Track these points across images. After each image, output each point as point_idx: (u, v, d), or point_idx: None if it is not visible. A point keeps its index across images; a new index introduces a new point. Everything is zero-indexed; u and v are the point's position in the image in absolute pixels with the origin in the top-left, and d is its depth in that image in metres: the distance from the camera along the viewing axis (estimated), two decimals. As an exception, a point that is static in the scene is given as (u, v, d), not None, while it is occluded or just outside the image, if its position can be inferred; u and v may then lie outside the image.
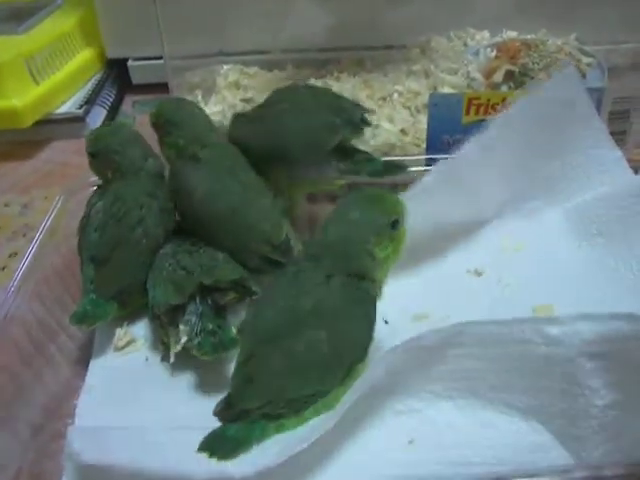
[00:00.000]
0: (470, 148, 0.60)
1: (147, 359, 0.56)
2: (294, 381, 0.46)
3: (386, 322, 0.57)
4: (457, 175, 0.60)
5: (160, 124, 0.63)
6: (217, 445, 0.44)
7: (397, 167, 0.61)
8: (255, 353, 0.47)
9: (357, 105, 0.64)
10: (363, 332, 0.49)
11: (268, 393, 0.46)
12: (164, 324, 0.54)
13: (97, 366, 0.56)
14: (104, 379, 0.54)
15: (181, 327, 0.52)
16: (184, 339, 0.51)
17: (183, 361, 0.53)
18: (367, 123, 0.62)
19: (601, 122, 0.64)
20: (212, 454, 0.43)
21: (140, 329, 0.59)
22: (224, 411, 0.46)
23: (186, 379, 0.54)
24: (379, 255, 0.49)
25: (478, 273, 0.61)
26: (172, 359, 0.53)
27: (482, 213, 0.63)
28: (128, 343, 0.57)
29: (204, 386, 0.53)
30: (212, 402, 0.50)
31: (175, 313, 0.53)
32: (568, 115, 0.63)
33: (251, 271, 0.57)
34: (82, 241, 0.60)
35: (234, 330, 0.53)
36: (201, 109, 0.65)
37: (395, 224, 0.49)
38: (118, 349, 0.57)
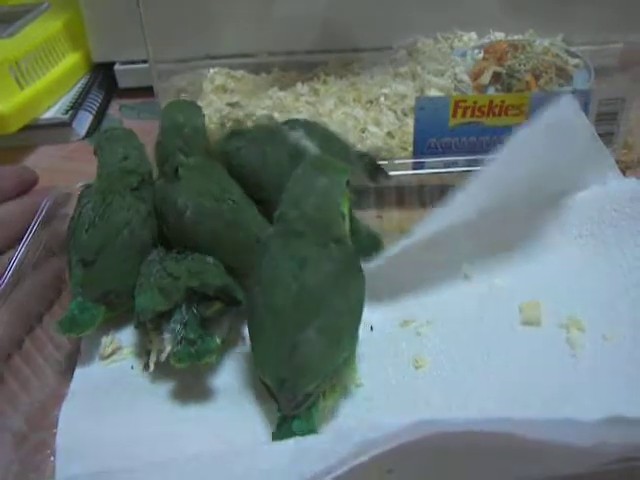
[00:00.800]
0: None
1: (132, 367, 0.56)
2: (334, 353, 0.49)
3: (371, 328, 0.57)
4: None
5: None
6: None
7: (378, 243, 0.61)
8: (297, 341, 0.48)
9: (365, 155, 0.65)
10: (363, 289, 0.52)
11: (322, 371, 0.48)
12: (149, 331, 0.54)
13: (82, 375, 0.55)
14: (88, 388, 0.54)
15: (166, 335, 0.52)
16: (168, 348, 0.51)
17: (168, 369, 0.52)
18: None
19: (589, 122, 0.64)
20: None
21: (127, 337, 0.58)
22: (290, 404, 0.47)
23: (171, 387, 0.53)
24: (345, 214, 0.53)
25: (467, 276, 0.61)
26: (152, 368, 0.53)
27: (473, 215, 0.62)
28: (114, 351, 0.57)
29: (188, 395, 0.53)
30: (197, 410, 0.50)
31: (160, 320, 0.53)
32: (559, 119, 0.63)
33: (242, 277, 0.57)
34: (71, 242, 0.59)
35: (217, 340, 0.52)
36: (199, 111, 0.64)
37: (348, 181, 0.53)
38: (104, 357, 0.56)
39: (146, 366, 0.54)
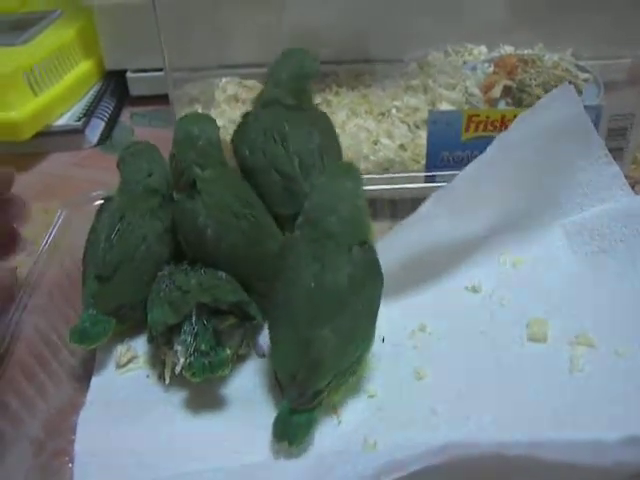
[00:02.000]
0: (469, 169, 0.61)
1: (148, 376, 0.56)
2: (348, 352, 0.51)
3: (383, 340, 0.58)
4: (456, 199, 0.61)
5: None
6: (291, 432, 0.49)
7: None
8: (312, 338, 0.50)
9: None
10: (380, 292, 0.54)
11: (334, 369, 0.50)
12: (160, 345, 0.55)
13: (98, 384, 0.56)
14: (105, 397, 0.54)
15: (178, 348, 0.52)
16: (182, 360, 0.51)
17: (183, 378, 0.53)
18: None
19: (599, 138, 0.65)
20: (290, 442, 0.48)
21: (142, 345, 0.59)
22: (300, 399, 0.49)
23: (186, 396, 0.54)
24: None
25: (475, 290, 0.62)
26: (167, 380, 0.54)
27: (481, 231, 0.63)
28: (130, 360, 0.58)
29: (204, 404, 0.53)
30: (212, 420, 0.52)
31: (171, 334, 0.54)
32: (566, 132, 0.63)
33: (260, 294, 0.58)
34: (88, 255, 0.60)
35: (228, 351, 0.53)
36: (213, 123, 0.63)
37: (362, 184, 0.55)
38: (120, 366, 0.57)
39: (161, 376, 0.55)
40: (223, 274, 0.58)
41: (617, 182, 0.65)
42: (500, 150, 0.61)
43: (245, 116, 0.66)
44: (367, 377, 0.55)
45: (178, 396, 0.54)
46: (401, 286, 0.61)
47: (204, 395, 0.54)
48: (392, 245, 0.59)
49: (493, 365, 0.55)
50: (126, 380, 0.56)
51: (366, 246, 0.53)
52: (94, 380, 0.56)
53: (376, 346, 0.56)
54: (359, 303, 0.51)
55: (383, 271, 0.54)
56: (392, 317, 0.59)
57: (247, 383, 0.55)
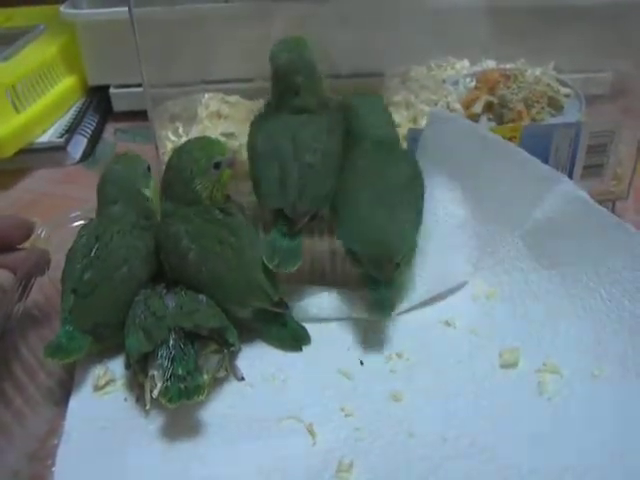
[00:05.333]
0: None
1: (126, 399, 0.56)
2: (415, 232, 0.62)
3: (362, 363, 0.58)
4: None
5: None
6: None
7: (303, 340, 0.61)
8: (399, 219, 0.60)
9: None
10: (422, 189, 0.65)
11: (408, 245, 0.61)
12: (137, 372, 0.55)
13: (76, 409, 0.55)
14: (83, 426, 0.54)
15: (155, 372, 0.52)
16: (159, 384, 0.51)
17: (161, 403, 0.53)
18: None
19: (497, 138, 0.64)
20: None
21: (120, 367, 0.59)
22: (389, 272, 0.59)
23: (164, 423, 0.54)
24: None
25: (449, 324, 0.62)
26: (148, 405, 0.53)
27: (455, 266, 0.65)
28: (107, 383, 0.57)
29: (182, 430, 0.53)
30: (190, 448, 0.51)
31: (146, 362, 0.54)
32: (462, 147, 0.65)
33: (240, 321, 0.59)
34: (66, 271, 0.60)
35: (205, 376, 0.53)
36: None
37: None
38: (98, 389, 0.57)
39: (138, 400, 0.55)
40: (204, 297, 0.58)
41: (543, 172, 0.63)
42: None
43: (268, 105, 0.67)
44: (344, 395, 0.55)
45: (157, 422, 0.54)
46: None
47: (182, 420, 0.54)
48: None
49: (469, 391, 0.55)
50: (104, 404, 0.56)
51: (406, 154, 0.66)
52: (71, 405, 0.56)
53: (354, 367, 0.58)
54: (413, 196, 0.62)
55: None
56: (370, 343, 0.60)
57: (226, 408, 0.55)
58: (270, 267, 0.58)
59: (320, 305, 0.63)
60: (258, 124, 0.65)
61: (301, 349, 0.60)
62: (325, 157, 0.62)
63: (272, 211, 0.62)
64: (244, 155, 0.68)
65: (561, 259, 0.62)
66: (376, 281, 0.59)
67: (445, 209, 0.65)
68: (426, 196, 0.64)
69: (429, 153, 0.66)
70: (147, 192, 0.64)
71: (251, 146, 0.65)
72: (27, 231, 0.61)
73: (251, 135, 0.65)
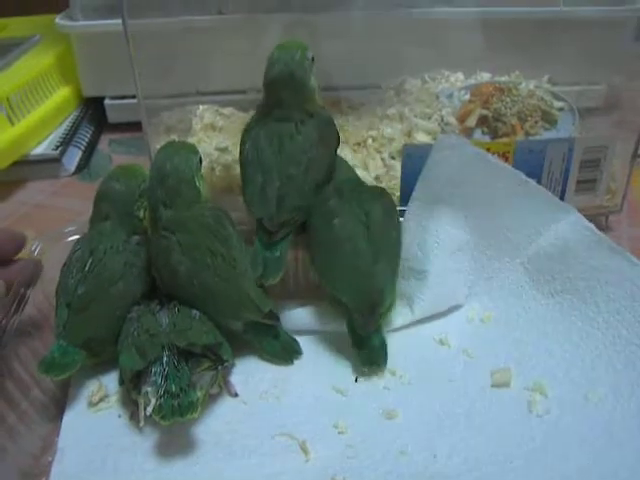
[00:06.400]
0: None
1: (120, 416, 0.56)
2: (394, 280, 0.61)
3: (356, 380, 0.59)
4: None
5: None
6: (374, 356, 0.59)
7: (294, 352, 0.62)
8: (374, 271, 0.59)
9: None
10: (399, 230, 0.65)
11: (390, 295, 0.60)
12: (130, 389, 0.54)
13: (70, 425, 0.55)
14: (77, 444, 0.54)
15: (148, 389, 0.52)
16: (153, 401, 0.51)
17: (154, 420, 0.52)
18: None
19: (509, 167, 0.65)
20: (378, 365, 0.59)
21: (114, 383, 0.58)
22: (371, 321, 0.58)
23: (157, 439, 0.54)
24: None
25: (443, 343, 0.62)
26: (142, 423, 0.53)
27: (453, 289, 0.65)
28: (101, 399, 0.57)
29: (175, 448, 0.53)
30: (183, 466, 0.51)
31: (139, 379, 0.53)
32: (474, 172, 0.65)
33: (233, 334, 0.59)
34: (61, 285, 0.59)
35: (198, 393, 0.52)
36: (192, 156, 0.62)
37: None
38: (92, 405, 0.57)
39: (132, 417, 0.55)
40: (197, 313, 0.58)
41: (551, 203, 0.64)
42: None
43: (259, 108, 0.67)
44: (338, 411, 0.55)
45: (150, 440, 0.54)
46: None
47: (176, 437, 0.53)
48: None
49: (461, 410, 0.55)
50: (98, 421, 0.56)
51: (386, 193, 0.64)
52: (65, 421, 0.56)
53: (348, 384, 0.58)
54: (393, 235, 0.62)
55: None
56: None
57: (220, 425, 0.55)
58: (254, 278, 0.59)
59: (312, 317, 0.63)
60: (249, 130, 0.65)
61: (292, 362, 0.60)
62: (310, 169, 0.62)
63: (256, 220, 0.62)
64: (238, 170, 0.67)
65: (561, 287, 0.62)
66: (362, 339, 0.59)
67: (447, 232, 0.65)
68: (429, 217, 0.65)
69: (435, 175, 0.65)
70: (140, 213, 0.63)
71: (240, 152, 0.65)
72: (19, 244, 0.61)
73: (242, 141, 0.65)
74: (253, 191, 0.62)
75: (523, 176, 0.64)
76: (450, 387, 0.57)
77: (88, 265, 0.59)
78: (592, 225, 0.62)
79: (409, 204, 0.66)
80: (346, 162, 0.68)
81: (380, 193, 0.64)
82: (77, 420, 0.56)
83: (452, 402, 0.56)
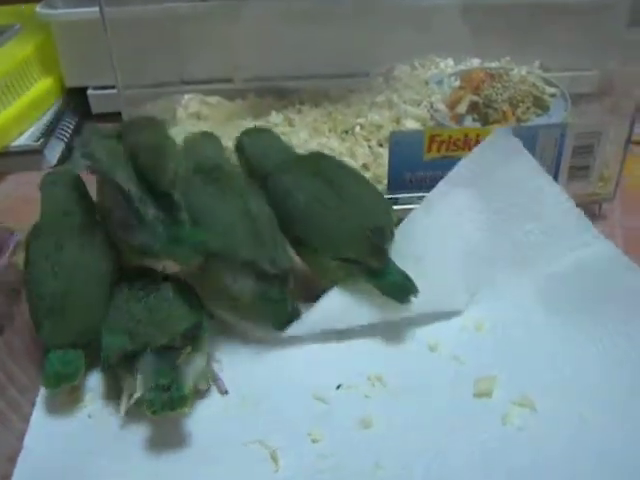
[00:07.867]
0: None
1: (90, 416, 0.54)
2: None
3: (338, 387, 0.57)
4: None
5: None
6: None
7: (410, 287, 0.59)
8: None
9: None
10: None
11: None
12: (121, 373, 0.53)
13: (38, 424, 0.54)
14: (43, 446, 0.52)
15: (138, 377, 0.50)
16: (139, 392, 0.50)
17: (125, 424, 0.52)
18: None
19: (553, 183, 0.64)
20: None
21: (87, 382, 0.57)
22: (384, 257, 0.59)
23: (124, 442, 0.52)
24: None
25: (433, 349, 0.60)
26: (123, 412, 0.52)
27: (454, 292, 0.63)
28: (74, 398, 0.55)
29: (144, 449, 0.52)
30: (152, 467, 0.50)
31: (131, 363, 0.52)
32: (516, 180, 0.63)
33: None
34: (32, 293, 0.58)
35: (190, 385, 0.51)
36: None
37: None
38: (63, 404, 0.55)
39: (105, 416, 0.54)
40: (170, 293, 0.56)
41: (583, 226, 0.63)
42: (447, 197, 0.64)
43: None
44: (315, 419, 0.54)
45: (118, 442, 0.52)
46: (364, 332, 0.60)
47: (145, 440, 0.52)
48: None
49: (443, 422, 0.53)
50: (67, 422, 0.54)
51: None
52: (34, 419, 0.54)
53: (330, 391, 0.56)
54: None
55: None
56: (351, 360, 0.59)
57: (190, 428, 0.53)
58: None
59: (340, 313, 0.61)
60: None
61: (409, 300, 0.59)
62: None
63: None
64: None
65: (569, 307, 0.61)
66: (378, 272, 0.59)
67: (462, 227, 0.64)
68: (451, 209, 0.64)
69: (475, 166, 0.64)
70: None
71: None
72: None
73: None
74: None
75: (566, 195, 0.63)
76: (433, 396, 0.55)
77: (53, 263, 0.57)
78: (620, 252, 0.62)
79: (439, 183, 0.64)
80: (279, 141, 0.69)
81: (321, 154, 0.66)
82: (46, 419, 0.54)
83: (433, 412, 0.54)
